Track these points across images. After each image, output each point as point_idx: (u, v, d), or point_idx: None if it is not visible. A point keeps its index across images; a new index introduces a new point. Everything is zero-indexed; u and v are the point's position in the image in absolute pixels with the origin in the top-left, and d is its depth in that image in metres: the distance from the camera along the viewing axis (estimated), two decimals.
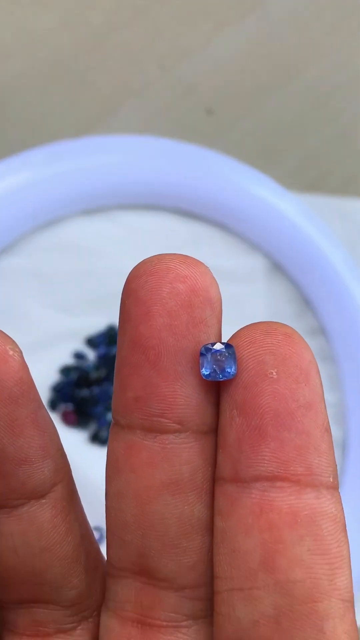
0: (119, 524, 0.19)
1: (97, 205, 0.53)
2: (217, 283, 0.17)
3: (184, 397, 0.18)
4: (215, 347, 0.17)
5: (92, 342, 0.53)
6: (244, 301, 0.52)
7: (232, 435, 0.17)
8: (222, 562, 0.17)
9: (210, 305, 0.18)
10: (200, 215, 0.53)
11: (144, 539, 0.18)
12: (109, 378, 0.52)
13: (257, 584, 0.16)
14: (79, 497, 0.20)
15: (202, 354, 0.17)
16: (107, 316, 0.53)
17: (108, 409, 0.51)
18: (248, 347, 0.17)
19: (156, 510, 0.18)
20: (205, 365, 0.17)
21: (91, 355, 0.53)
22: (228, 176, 0.52)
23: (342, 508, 0.16)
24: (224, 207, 0.52)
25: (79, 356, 0.53)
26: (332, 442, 0.16)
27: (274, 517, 0.16)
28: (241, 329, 0.18)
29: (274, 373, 0.17)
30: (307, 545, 0.16)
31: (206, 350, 0.17)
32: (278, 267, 0.54)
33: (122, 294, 0.18)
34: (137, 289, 0.18)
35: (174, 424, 0.18)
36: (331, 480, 0.16)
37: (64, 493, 0.19)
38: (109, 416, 0.51)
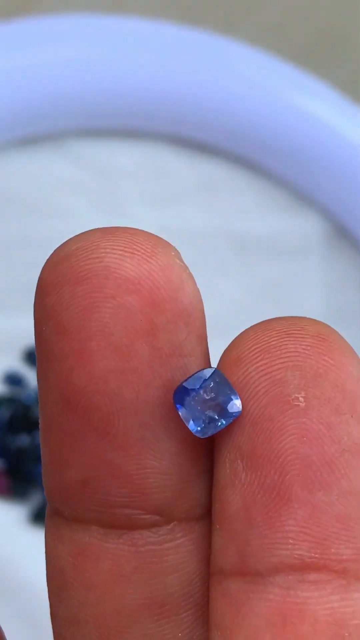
0: None
1: (41, 130, 0.48)
2: (190, 275, 0.15)
3: (161, 475, 0.16)
4: (190, 384, 0.15)
5: (34, 357, 0.50)
6: (288, 290, 0.49)
7: (236, 501, 0.15)
8: None
9: (184, 320, 0.15)
10: (216, 147, 0.49)
11: None
12: None
13: None
14: None
15: (179, 405, 0.15)
16: None
17: None
18: (258, 359, 0.15)
19: None
20: (191, 418, 0.15)
21: (33, 378, 0.49)
22: (261, 82, 0.48)
23: None
24: (255, 133, 0.48)
25: (12, 380, 0.48)
26: None
27: (306, 632, 0.14)
28: (245, 330, 0.15)
29: (301, 399, 0.15)
30: None
31: (182, 395, 0.15)
32: (344, 234, 0.50)
33: (35, 312, 0.15)
34: (58, 311, 0.15)
35: (148, 516, 0.16)
36: None
37: None
38: None
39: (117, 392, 0.15)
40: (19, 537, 0.45)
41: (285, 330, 0.15)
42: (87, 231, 0.15)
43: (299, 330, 0.15)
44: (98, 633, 0.17)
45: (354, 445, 0.15)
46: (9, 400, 0.48)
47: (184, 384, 0.15)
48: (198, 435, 0.16)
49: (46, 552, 0.17)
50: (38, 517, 0.47)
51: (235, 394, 0.15)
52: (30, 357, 0.50)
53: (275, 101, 0.48)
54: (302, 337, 0.15)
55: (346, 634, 0.15)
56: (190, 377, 0.15)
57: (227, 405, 0.15)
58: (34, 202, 0.49)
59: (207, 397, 0.15)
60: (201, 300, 0.16)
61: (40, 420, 0.16)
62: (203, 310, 0.16)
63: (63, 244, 0.15)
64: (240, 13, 0.55)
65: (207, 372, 0.16)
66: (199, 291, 0.16)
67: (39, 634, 0.39)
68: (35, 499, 0.48)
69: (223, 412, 0.15)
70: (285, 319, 0.16)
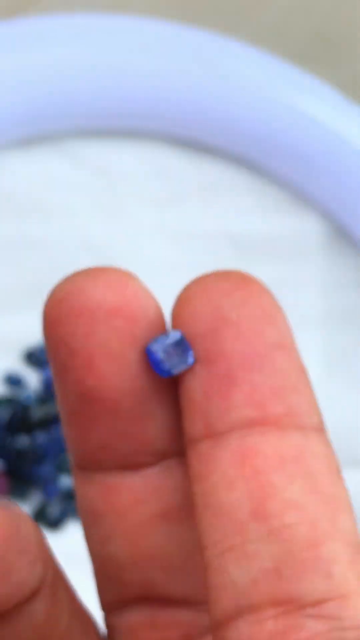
0: (111, 567, 0.22)
1: (41, 130, 0.49)
2: (149, 294, 0.20)
3: (160, 428, 0.21)
4: (155, 346, 0.20)
5: (34, 357, 0.50)
6: (288, 290, 0.49)
7: (198, 389, 0.20)
8: (207, 527, 0.19)
9: (152, 325, 0.21)
10: (216, 147, 0.50)
11: (146, 573, 0.22)
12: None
13: (250, 537, 0.19)
14: (64, 579, 0.22)
15: (163, 372, 0.20)
16: None
17: (62, 468, 0.50)
18: (202, 295, 0.20)
19: (153, 544, 0.21)
20: (163, 362, 0.20)
21: (33, 379, 0.50)
22: (261, 83, 0.49)
23: (333, 450, 0.19)
24: (255, 133, 0.49)
25: (12, 381, 0.49)
26: (311, 385, 0.20)
27: (258, 463, 0.19)
28: (190, 281, 0.20)
29: (235, 316, 0.20)
30: (299, 485, 0.19)
31: (156, 360, 0.20)
32: (344, 234, 0.50)
33: (47, 339, 0.21)
34: (67, 338, 0.20)
35: (150, 458, 0.21)
36: (315, 421, 0.19)
37: (54, 580, 0.21)
38: (63, 481, 0.50)
39: (121, 385, 0.20)
40: None
41: (217, 276, 0.20)
42: (72, 276, 0.20)
43: (225, 275, 0.20)
44: (127, 543, 0.21)
45: (276, 343, 0.19)
46: (8, 401, 0.48)
47: (150, 351, 0.20)
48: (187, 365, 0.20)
49: (77, 498, 0.22)
50: (38, 517, 0.47)
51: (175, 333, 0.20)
52: (30, 357, 0.50)
53: (275, 101, 0.49)
54: (230, 279, 0.20)
55: (286, 461, 0.19)
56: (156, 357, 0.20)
57: (170, 335, 0.20)
58: (34, 202, 0.49)
59: (170, 351, 0.20)
60: (160, 308, 0.20)
61: (60, 410, 0.21)
62: (162, 313, 0.21)
63: (57, 287, 0.20)
64: (240, 13, 0.55)
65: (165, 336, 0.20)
66: (157, 303, 0.20)
67: None
68: (35, 499, 0.48)
69: (177, 350, 0.20)
70: (215, 271, 0.20)
